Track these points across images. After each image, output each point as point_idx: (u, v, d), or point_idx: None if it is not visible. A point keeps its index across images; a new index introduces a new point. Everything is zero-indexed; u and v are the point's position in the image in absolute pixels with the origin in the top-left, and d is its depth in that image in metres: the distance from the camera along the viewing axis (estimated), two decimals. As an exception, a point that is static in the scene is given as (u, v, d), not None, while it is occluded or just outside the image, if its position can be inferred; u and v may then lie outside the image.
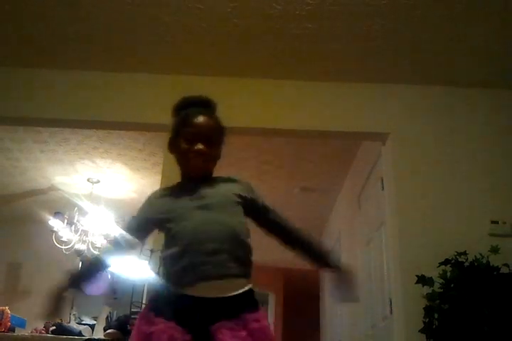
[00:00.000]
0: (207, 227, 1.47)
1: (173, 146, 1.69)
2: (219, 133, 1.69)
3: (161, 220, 1.54)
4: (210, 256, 1.42)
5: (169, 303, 1.40)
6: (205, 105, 1.74)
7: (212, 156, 1.64)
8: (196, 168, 1.61)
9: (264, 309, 1.63)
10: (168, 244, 1.50)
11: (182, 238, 1.46)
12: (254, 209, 1.62)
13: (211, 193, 1.56)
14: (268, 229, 1.66)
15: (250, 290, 1.47)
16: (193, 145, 1.60)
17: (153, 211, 1.59)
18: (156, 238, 3.05)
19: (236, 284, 1.43)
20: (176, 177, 3.27)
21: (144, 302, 2.91)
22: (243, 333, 1.35)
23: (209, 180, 1.63)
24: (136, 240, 1.61)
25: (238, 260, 1.45)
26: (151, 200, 1.65)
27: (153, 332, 1.34)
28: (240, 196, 1.58)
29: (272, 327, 1.50)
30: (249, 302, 1.45)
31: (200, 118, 1.66)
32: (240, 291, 1.42)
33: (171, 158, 3.32)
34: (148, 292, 2.90)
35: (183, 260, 1.43)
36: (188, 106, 1.73)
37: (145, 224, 1.61)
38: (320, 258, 1.64)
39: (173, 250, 1.46)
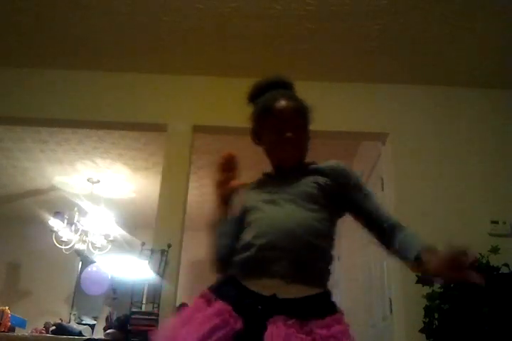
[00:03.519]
0: (273, 222, 1.36)
1: (258, 138, 1.54)
2: (304, 115, 1.53)
3: (242, 211, 1.48)
4: (269, 253, 1.32)
5: (232, 291, 1.33)
6: (281, 86, 1.55)
7: (303, 142, 1.52)
8: (289, 158, 1.49)
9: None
10: (243, 234, 1.42)
11: (251, 230, 1.38)
12: (342, 198, 1.45)
13: (288, 187, 1.43)
14: (361, 222, 1.49)
15: (317, 296, 1.30)
16: (281, 134, 1.46)
17: (239, 201, 1.51)
18: (156, 238, 3.06)
19: (290, 289, 1.28)
20: (175, 177, 3.28)
21: (143, 302, 2.91)
22: (302, 336, 1.20)
23: (299, 169, 1.49)
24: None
25: (297, 263, 1.31)
26: (242, 191, 1.56)
27: (208, 314, 1.29)
28: (320, 187, 1.42)
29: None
30: (315, 308, 1.27)
31: (282, 104, 1.48)
32: (294, 297, 1.27)
33: (171, 157, 3.34)
34: (149, 291, 2.89)
35: (247, 252, 1.36)
36: (264, 92, 1.54)
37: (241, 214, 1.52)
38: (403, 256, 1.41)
39: (243, 241, 1.39)
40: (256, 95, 1.54)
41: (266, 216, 1.39)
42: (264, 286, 1.29)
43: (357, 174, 1.51)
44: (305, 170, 1.47)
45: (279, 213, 1.37)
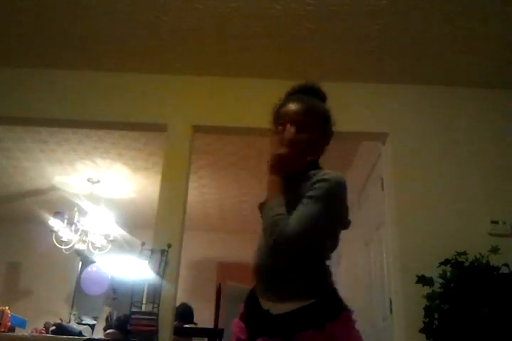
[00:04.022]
0: (258, 243, 1.42)
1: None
2: (311, 116, 1.45)
3: None
4: (257, 271, 1.40)
5: (252, 302, 1.41)
6: (303, 92, 1.53)
7: (303, 142, 1.41)
8: (287, 160, 1.39)
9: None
10: None
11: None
12: None
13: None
14: None
15: (303, 309, 1.28)
16: (281, 133, 1.42)
17: None
18: (156, 238, 3.06)
19: (279, 306, 1.31)
20: (175, 177, 3.28)
21: (143, 302, 2.91)
22: None
23: (302, 175, 1.41)
24: None
25: (272, 282, 1.34)
26: None
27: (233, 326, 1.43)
28: (299, 199, 1.34)
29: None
30: (299, 323, 1.27)
31: (288, 106, 1.47)
32: (283, 312, 1.30)
33: (171, 157, 3.35)
34: (148, 292, 2.89)
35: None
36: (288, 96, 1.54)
37: None
38: None
39: None
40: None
41: (259, 235, 1.42)
42: (262, 302, 1.36)
43: (331, 187, 1.33)
44: (305, 177, 1.40)
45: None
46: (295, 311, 1.28)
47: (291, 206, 1.32)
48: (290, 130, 1.40)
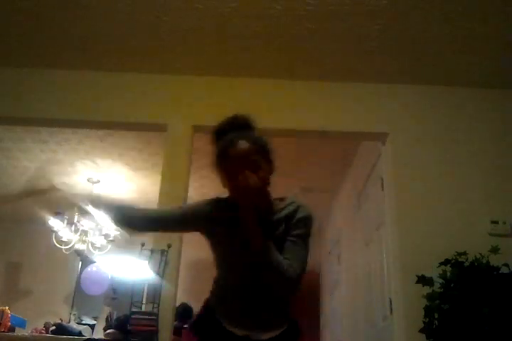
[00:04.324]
0: (247, 279, 1.51)
1: (218, 174, 1.50)
2: (259, 155, 1.47)
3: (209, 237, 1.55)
4: (245, 307, 1.49)
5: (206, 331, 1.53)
6: (239, 127, 1.55)
7: (262, 181, 1.44)
8: (246, 205, 1.43)
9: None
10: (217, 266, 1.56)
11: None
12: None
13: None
14: None
15: (283, 332, 1.50)
16: (239, 179, 1.41)
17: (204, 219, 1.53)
18: (156, 238, 3.06)
19: (259, 334, 1.48)
20: (175, 178, 3.27)
21: (143, 302, 2.91)
22: None
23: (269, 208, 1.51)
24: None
25: (269, 313, 1.49)
26: (208, 208, 1.54)
27: None
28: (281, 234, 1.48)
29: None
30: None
31: (236, 148, 1.46)
32: (265, 338, 1.48)
33: (171, 158, 3.34)
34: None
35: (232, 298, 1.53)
36: (224, 133, 1.53)
37: (192, 221, 1.55)
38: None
39: (221, 282, 1.56)
40: (218, 136, 1.54)
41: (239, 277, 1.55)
42: (235, 330, 1.47)
43: (311, 223, 1.52)
44: (276, 213, 1.49)
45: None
46: (276, 337, 1.48)
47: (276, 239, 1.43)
48: (252, 177, 1.41)
